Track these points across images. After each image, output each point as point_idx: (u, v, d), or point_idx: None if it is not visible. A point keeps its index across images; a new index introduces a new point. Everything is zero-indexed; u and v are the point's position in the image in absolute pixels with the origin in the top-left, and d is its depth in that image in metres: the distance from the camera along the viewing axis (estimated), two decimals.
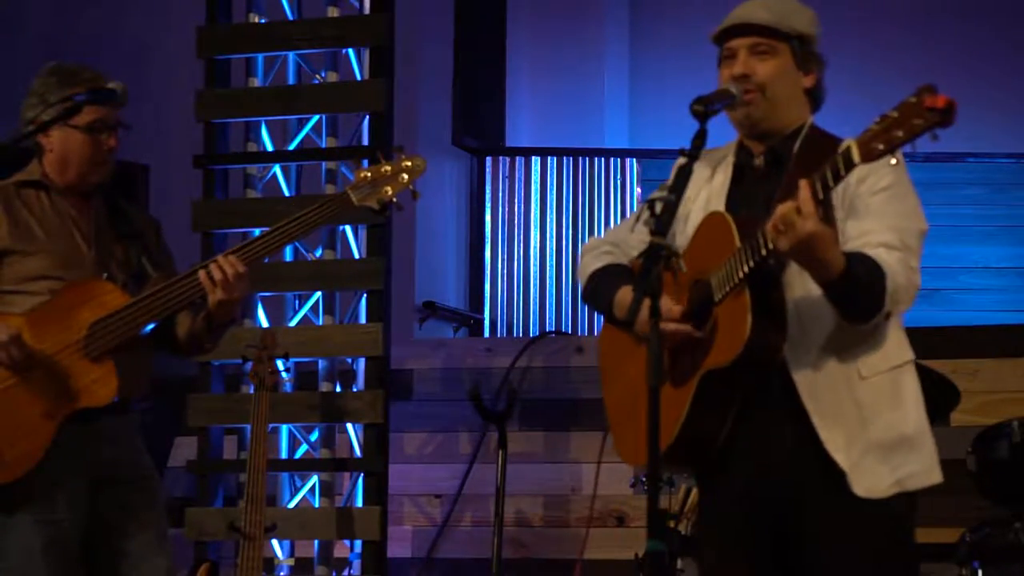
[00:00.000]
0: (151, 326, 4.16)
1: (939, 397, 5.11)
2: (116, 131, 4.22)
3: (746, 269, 3.34)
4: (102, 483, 4.13)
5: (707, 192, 3.60)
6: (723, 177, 3.60)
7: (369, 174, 4.18)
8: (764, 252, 3.31)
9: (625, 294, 3.57)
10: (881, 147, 3.14)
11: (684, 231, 3.57)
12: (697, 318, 3.46)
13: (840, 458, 3.39)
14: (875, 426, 3.43)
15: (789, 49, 3.52)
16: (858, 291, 3.34)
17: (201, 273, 4.09)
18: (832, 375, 3.43)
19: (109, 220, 4.27)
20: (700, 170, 3.54)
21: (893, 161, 3.16)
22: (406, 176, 4.17)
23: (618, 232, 3.81)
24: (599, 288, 3.69)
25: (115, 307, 4.09)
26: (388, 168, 4.18)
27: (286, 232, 4.15)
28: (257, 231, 4.86)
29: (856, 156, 3.17)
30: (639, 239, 3.67)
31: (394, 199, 4.18)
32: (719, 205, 3.55)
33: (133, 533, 4.17)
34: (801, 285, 3.42)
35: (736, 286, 3.36)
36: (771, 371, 3.41)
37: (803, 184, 3.23)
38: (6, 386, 4.04)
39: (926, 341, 6.08)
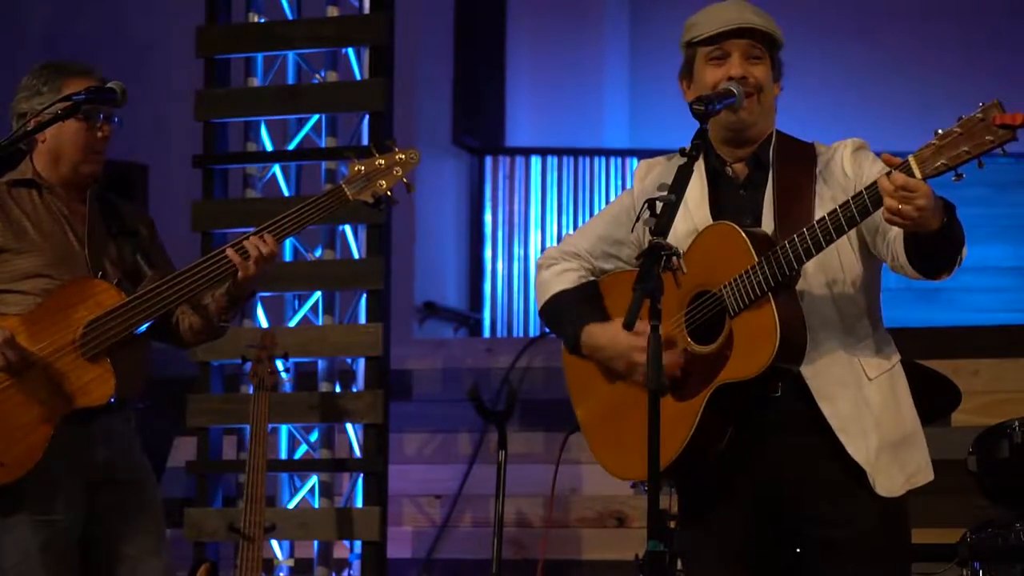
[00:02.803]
0: (147, 324, 4.15)
1: (940, 397, 5.10)
2: (110, 120, 4.21)
3: (779, 279, 3.32)
4: (99, 484, 4.12)
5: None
6: (698, 183, 3.56)
7: (363, 168, 4.17)
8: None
9: (595, 332, 3.54)
10: (945, 163, 3.14)
11: None
12: (703, 330, 3.44)
13: (861, 459, 3.40)
14: (884, 426, 3.44)
15: (770, 57, 3.54)
16: (956, 229, 3.27)
17: (229, 250, 4.07)
18: (844, 378, 3.43)
19: (102, 218, 4.25)
20: (665, 175, 3.52)
21: (954, 178, 3.15)
22: (400, 169, 4.16)
23: (575, 241, 3.75)
24: (563, 315, 3.64)
25: (110, 306, 4.08)
26: (382, 161, 4.17)
27: (282, 229, 4.14)
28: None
29: (917, 173, 3.16)
30: (601, 247, 3.67)
31: (389, 192, 4.17)
32: (702, 212, 3.53)
33: (131, 536, 4.16)
34: (810, 294, 3.42)
35: (757, 298, 3.34)
36: (782, 378, 3.41)
37: (895, 171, 3.17)
38: (2, 388, 4.02)
39: (926, 341, 6.10)
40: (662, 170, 3.61)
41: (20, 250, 4.12)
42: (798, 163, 3.49)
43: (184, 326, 4.26)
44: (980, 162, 3.13)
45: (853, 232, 3.41)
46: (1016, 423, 5.08)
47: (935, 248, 3.29)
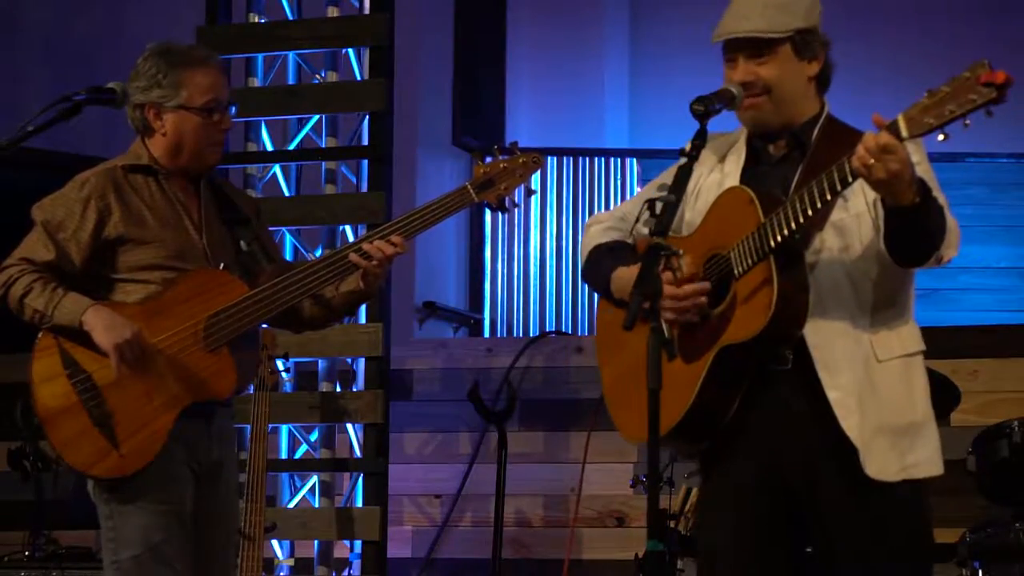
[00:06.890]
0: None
1: (939, 397, 5.10)
2: (229, 110, 4.21)
3: (777, 240, 3.31)
4: (204, 479, 4.12)
5: (719, 175, 3.58)
6: (736, 161, 3.58)
7: (487, 170, 4.19)
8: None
9: (622, 273, 3.56)
10: (932, 122, 3.12)
11: (694, 207, 3.55)
12: (713, 294, 3.44)
13: (854, 435, 3.37)
14: (887, 409, 3.42)
15: (790, 46, 3.50)
16: (931, 216, 3.28)
17: (353, 255, 4.08)
18: (850, 354, 3.41)
19: (215, 205, 4.24)
20: (707, 155, 3.54)
21: (941, 137, 3.13)
22: (522, 173, 4.19)
23: (624, 207, 3.78)
24: (599, 264, 3.68)
25: (233, 298, 4.06)
26: (504, 164, 4.20)
27: (411, 228, 4.14)
28: None
29: (904, 130, 3.15)
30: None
31: (512, 195, 4.20)
32: (734, 183, 3.53)
33: (214, 524, 4.17)
34: (824, 264, 3.41)
35: (760, 260, 3.34)
36: (787, 347, 3.40)
37: (880, 131, 3.18)
38: (124, 376, 3.99)
39: (926, 341, 6.09)
40: (714, 144, 3.60)
41: (142, 240, 4.07)
42: (837, 147, 3.42)
43: (306, 315, 4.27)
44: (965, 122, 3.11)
45: (873, 206, 3.39)
46: (1015, 423, 5.09)
47: (909, 229, 3.30)
